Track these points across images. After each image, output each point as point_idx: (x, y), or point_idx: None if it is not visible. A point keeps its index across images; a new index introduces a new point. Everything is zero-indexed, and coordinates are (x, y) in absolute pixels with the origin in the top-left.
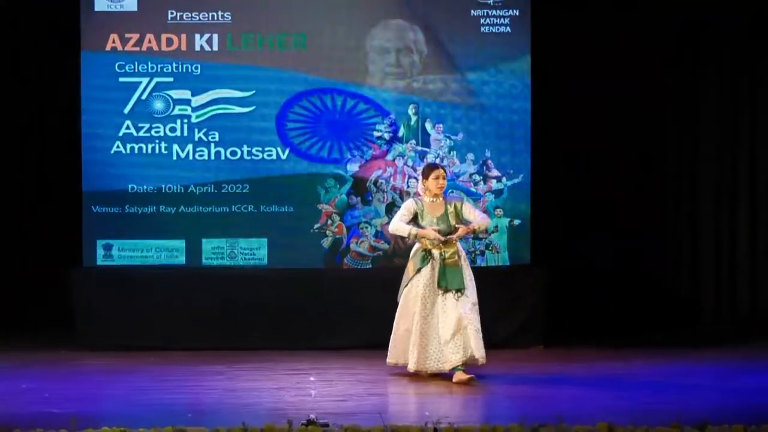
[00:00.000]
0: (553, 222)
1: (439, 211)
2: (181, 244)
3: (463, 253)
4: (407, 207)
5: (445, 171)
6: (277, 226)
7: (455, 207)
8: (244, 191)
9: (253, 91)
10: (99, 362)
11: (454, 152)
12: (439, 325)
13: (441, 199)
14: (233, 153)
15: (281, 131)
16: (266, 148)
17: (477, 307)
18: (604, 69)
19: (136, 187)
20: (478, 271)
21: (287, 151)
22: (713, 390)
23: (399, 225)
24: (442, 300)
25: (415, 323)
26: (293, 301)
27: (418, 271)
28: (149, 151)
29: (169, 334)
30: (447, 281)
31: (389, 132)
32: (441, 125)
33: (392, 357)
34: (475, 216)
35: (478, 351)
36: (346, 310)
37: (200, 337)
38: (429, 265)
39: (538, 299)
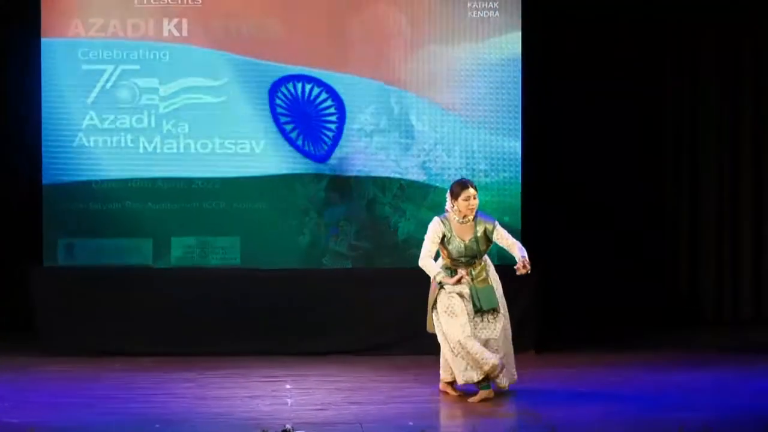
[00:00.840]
0: (544, 219)
1: (468, 234)
2: (148, 242)
3: (490, 267)
4: (434, 231)
5: (476, 189)
6: (251, 223)
7: (485, 230)
8: (215, 187)
9: (226, 80)
10: (60, 368)
11: (440, 146)
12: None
13: (471, 219)
14: (204, 146)
15: (275, 116)
16: (239, 141)
17: (509, 324)
18: (597, 63)
19: (100, 182)
20: None
21: (262, 144)
22: (716, 396)
23: (428, 263)
24: (476, 318)
25: (466, 333)
26: (268, 304)
27: (442, 286)
28: (114, 143)
29: (135, 338)
30: (481, 302)
31: (371, 124)
32: (426, 117)
33: (444, 376)
34: (508, 243)
35: (507, 378)
36: (325, 313)
37: (169, 342)
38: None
39: (529, 301)
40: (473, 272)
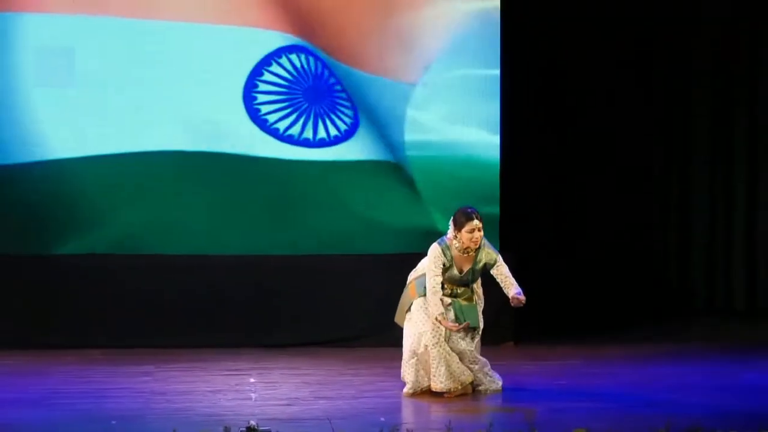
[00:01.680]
0: (525, 206)
1: (467, 264)
2: (100, 227)
3: (479, 290)
4: (436, 263)
5: (481, 220)
6: (214, 207)
7: (485, 264)
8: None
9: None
10: (5, 362)
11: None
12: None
13: (472, 251)
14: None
15: (248, 103)
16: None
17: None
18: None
19: (43, 162)
20: None
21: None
22: (706, 391)
23: (434, 300)
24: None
25: (439, 335)
26: (231, 293)
27: (423, 296)
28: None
29: (87, 329)
30: (465, 318)
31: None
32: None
33: (407, 389)
34: (504, 280)
35: (494, 383)
36: (291, 302)
37: (124, 334)
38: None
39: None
40: (458, 290)
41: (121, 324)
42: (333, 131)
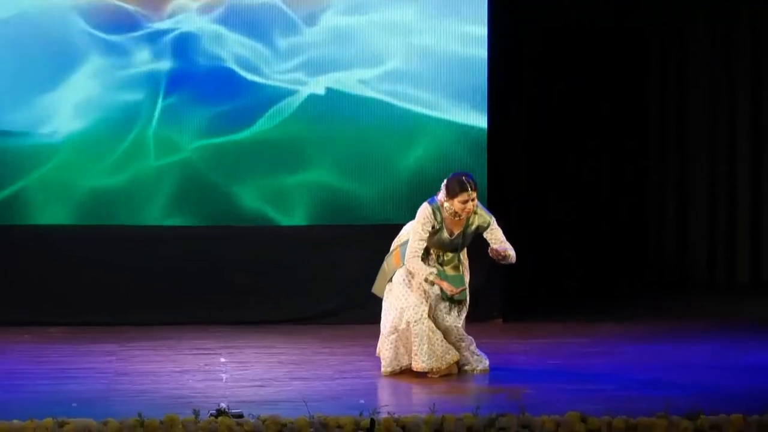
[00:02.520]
0: (512, 175)
1: (458, 228)
2: (56, 198)
3: (465, 261)
4: (425, 225)
5: (477, 189)
6: (177, 175)
7: (478, 227)
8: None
9: None
10: None
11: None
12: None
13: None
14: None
15: None
16: None
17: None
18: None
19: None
20: None
21: None
22: (707, 372)
23: (417, 264)
24: (440, 304)
25: (420, 312)
26: (198, 266)
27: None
28: None
29: (45, 306)
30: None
31: None
32: None
33: (385, 366)
34: (499, 244)
35: (481, 362)
36: (263, 276)
37: (85, 310)
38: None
39: (495, 264)
40: (444, 257)
41: (81, 300)
42: None
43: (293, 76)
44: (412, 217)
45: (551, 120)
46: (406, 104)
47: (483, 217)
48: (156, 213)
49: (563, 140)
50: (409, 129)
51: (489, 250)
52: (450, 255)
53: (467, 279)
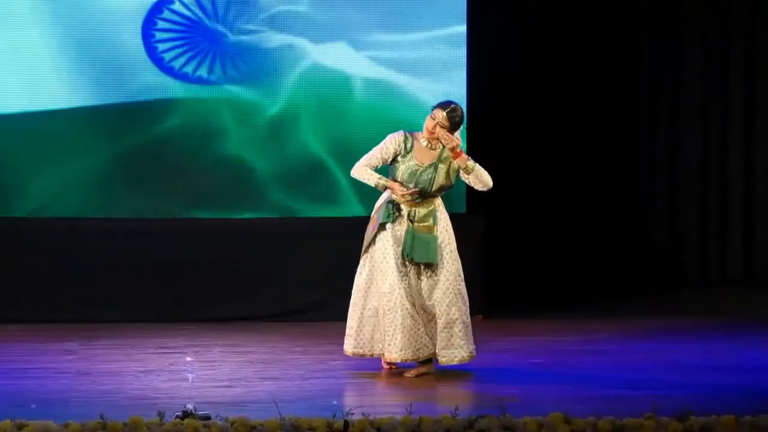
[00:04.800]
0: (494, 162)
1: (428, 159)
2: (11, 190)
3: (442, 217)
4: (389, 142)
5: (450, 117)
6: (136, 165)
7: (451, 165)
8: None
9: None
10: None
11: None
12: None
13: (439, 145)
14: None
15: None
16: None
17: (463, 289)
18: None
19: None
20: None
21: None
22: (697, 371)
23: (363, 171)
24: (414, 272)
25: (394, 299)
26: (163, 261)
27: (382, 227)
28: None
29: (2, 302)
30: (413, 251)
31: None
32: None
33: (356, 346)
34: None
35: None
36: (231, 272)
37: (44, 307)
38: (396, 222)
39: (476, 258)
40: (416, 213)
41: (40, 296)
42: None
43: None
44: None
45: (545, 112)
46: (391, 100)
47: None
48: (122, 205)
49: (554, 133)
50: (394, 123)
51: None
52: (423, 211)
53: (451, 246)
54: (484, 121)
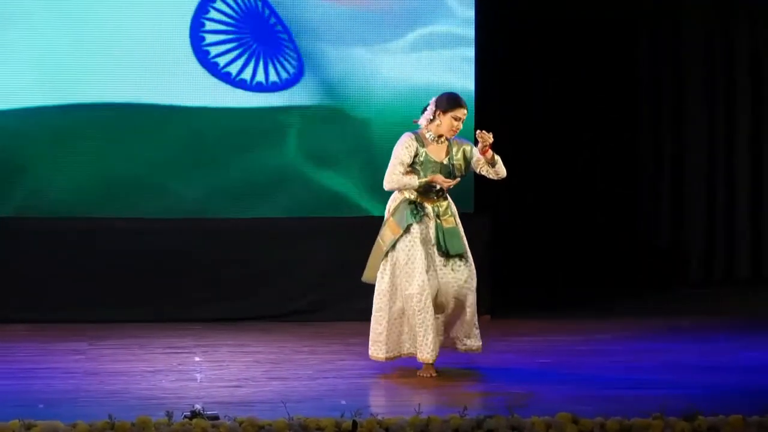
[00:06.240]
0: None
1: (441, 154)
2: (23, 188)
3: (455, 209)
4: (405, 150)
5: (467, 112)
6: (150, 165)
7: (464, 152)
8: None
9: None
10: None
11: None
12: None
13: (445, 140)
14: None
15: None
16: None
17: (475, 277)
18: None
19: None
20: None
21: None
22: (704, 371)
23: (399, 178)
24: (442, 266)
25: (423, 299)
26: (171, 260)
27: (407, 229)
28: None
29: (10, 302)
30: (447, 244)
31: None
32: None
33: (388, 350)
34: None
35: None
36: (239, 271)
37: (52, 307)
38: (422, 221)
39: (483, 257)
40: (439, 208)
41: (48, 296)
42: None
43: None
44: None
45: (545, 113)
46: (392, 99)
47: (461, 144)
48: (127, 206)
49: (553, 135)
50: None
51: (479, 148)
52: (444, 205)
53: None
54: (485, 121)
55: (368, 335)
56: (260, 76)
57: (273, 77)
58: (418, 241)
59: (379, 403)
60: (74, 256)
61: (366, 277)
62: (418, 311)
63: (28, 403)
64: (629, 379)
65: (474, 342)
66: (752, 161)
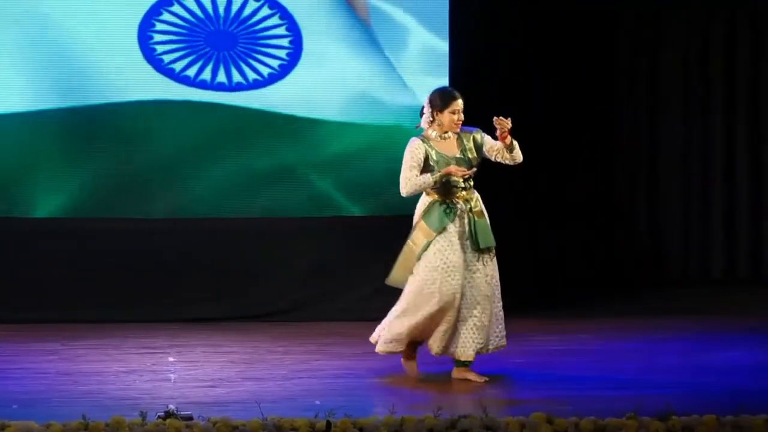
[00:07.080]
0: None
1: (453, 149)
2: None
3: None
4: (414, 153)
5: (462, 101)
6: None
7: (474, 140)
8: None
9: None
10: None
11: None
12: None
13: (452, 134)
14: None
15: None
16: None
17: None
18: None
19: None
20: (399, 220)
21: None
22: (680, 371)
23: (414, 180)
24: (475, 262)
25: (457, 300)
26: (145, 261)
27: (443, 230)
28: None
29: None
30: (481, 239)
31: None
32: None
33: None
34: (497, 145)
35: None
36: (213, 271)
37: (25, 307)
38: (456, 219)
39: None
40: (471, 200)
41: (21, 296)
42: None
43: None
44: (371, 209)
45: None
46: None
47: (469, 133)
48: (96, 206)
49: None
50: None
51: (498, 134)
52: (473, 197)
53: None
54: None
55: (345, 336)
56: (238, 77)
57: (252, 75)
58: (455, 239)
59: (353, 404)
60: (48, 256)
61: (393, 279)
62: (458, 312)
63: (1, 403)
64: (606, 379)
65: (501, 341)
66: (725, 164)
